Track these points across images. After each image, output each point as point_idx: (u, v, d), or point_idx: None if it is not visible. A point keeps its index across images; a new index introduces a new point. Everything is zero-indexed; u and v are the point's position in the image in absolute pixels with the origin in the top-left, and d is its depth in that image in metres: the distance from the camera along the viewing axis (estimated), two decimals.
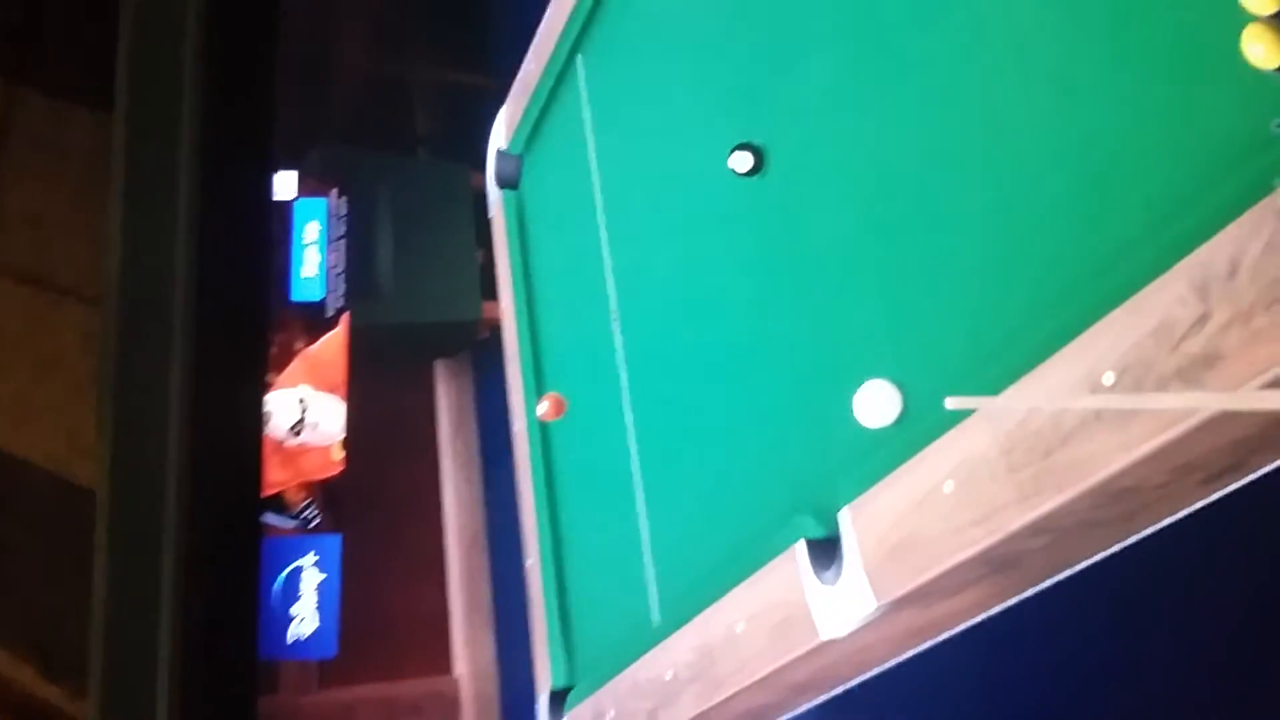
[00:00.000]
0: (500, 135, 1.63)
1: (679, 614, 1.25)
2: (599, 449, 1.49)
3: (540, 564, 1.50)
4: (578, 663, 1.48)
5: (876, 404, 1.17)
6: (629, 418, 1.46)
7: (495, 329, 1.59)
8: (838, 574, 1.08)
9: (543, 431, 1.52)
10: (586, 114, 1.54)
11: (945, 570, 1.00)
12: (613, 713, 1.35)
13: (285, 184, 1.52)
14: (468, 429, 1.61)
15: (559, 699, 1.47)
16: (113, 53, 1.37)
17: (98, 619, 1.30)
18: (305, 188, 1.53)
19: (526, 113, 1.61)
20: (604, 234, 1.50)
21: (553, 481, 1.54)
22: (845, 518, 1.09)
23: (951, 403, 0.96)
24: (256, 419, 1.45)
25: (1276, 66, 0.96)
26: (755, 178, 1.29)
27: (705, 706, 1.19)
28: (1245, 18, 0.94)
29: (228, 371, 1.38)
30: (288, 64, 1.47)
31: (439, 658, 1.53)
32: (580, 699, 1.44)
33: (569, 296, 1.55)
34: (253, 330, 1.46)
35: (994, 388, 0.97)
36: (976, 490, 0.97)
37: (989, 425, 0.97)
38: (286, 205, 1.52)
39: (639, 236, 1.48)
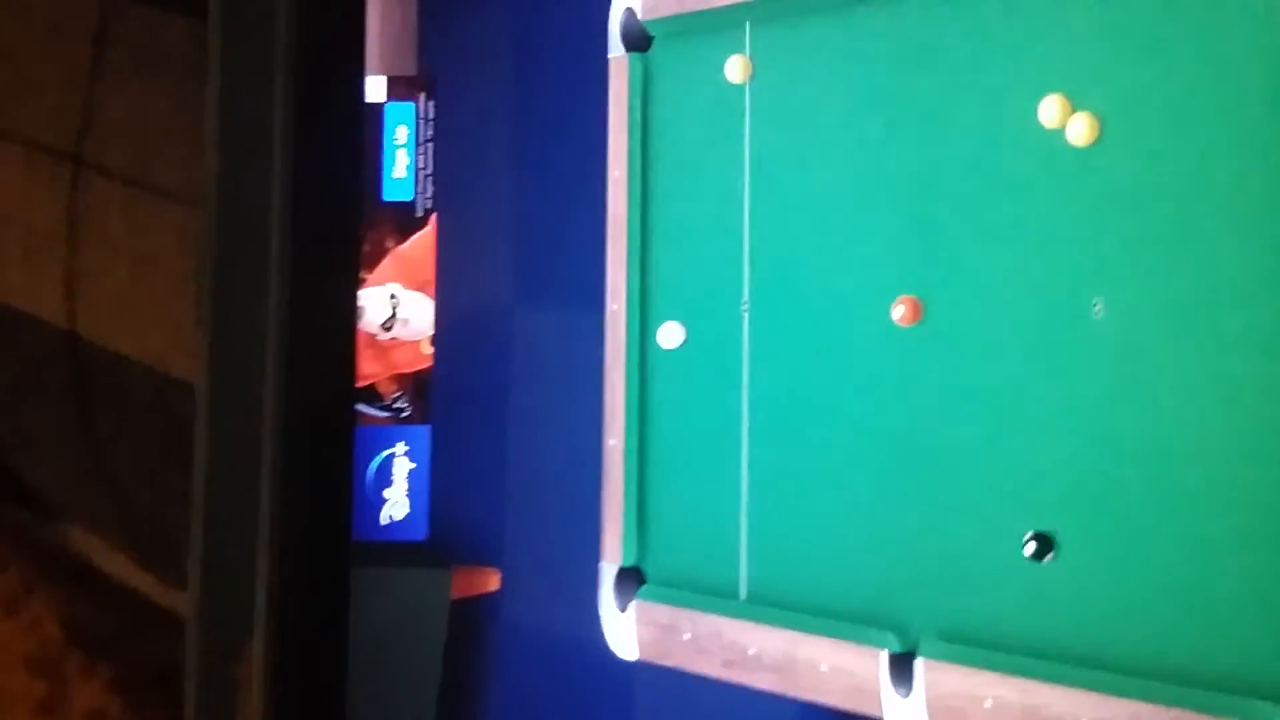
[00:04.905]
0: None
1: (765, 611, 1.45)
2: (708, 389, 1.52)
3: (625, 448, 1.55)
4: (647, 554, 1.54)
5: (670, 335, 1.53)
6: (745, 395, 1.49)
7: None
8: (907, 693, 1.33)
9: (641, 318, 1.55)
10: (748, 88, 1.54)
11: None
12: (689, 635, 1.48)
13: (375, 88, 1.55)
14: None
15: (626, 575, 1.54)
16: None
17: (199, 505, 1.35)
18: (395, 92, 1.55)
19: (678, 17, 1.59)
20: (746, 206, 1.52)
21: (645, 376, 1.56)
22: (920, 668, 1.33)
23: None
24: (350, 314, 1.48)
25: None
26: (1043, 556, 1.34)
27: (779, 691, 1.42)
28: None
29: (323, 269, 1.42)
30: None
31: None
32: (654, 598, 1.52)
33: (695, 222, 1.57)
34: (346, 229, 1.48)
35: None
36: None
37: None
38: (377, 108, 1.54)
39: (783, 228, 1.50)
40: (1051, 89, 1.33)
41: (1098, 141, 1.30)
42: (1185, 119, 1.26)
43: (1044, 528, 1.29)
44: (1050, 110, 1.31)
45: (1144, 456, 1.24)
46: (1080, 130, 1.31)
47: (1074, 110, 1.31)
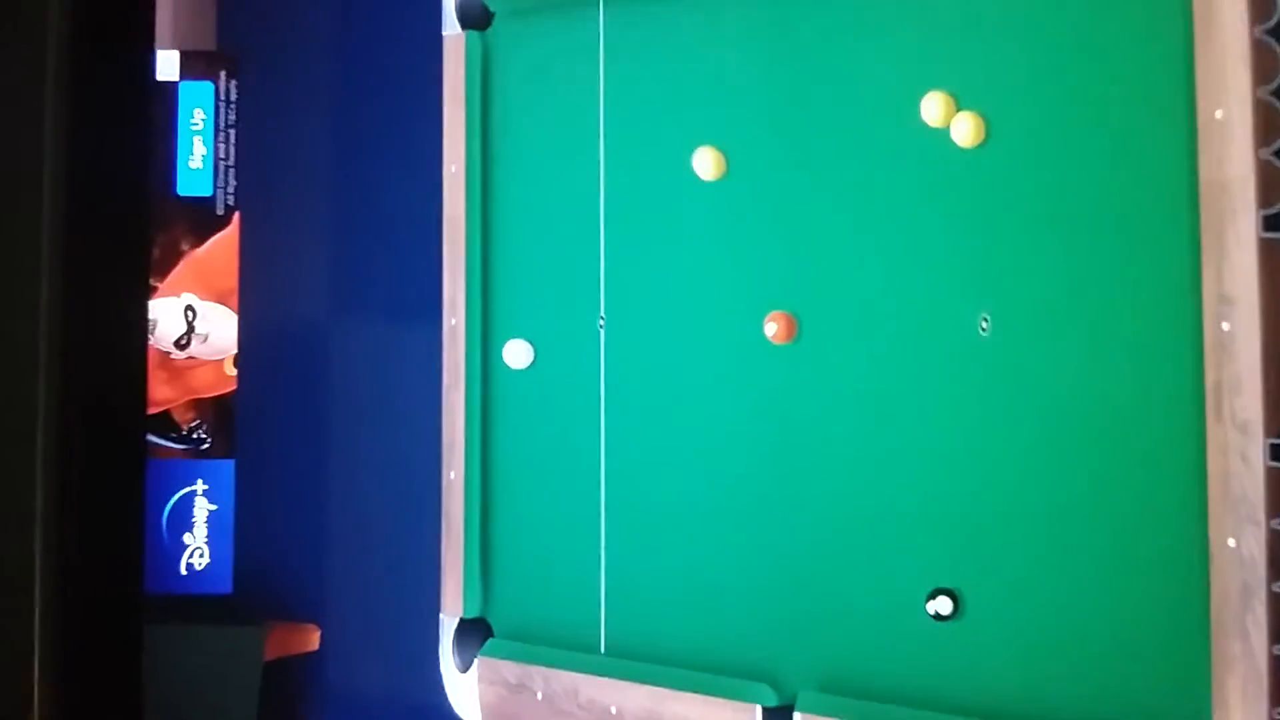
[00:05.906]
0: None
1: (627, 665, 1.38)
2: (561, 416, 1.43)
3: (466, 483, 1.43)
4: (493, 604, 1.43)
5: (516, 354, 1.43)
6: (603, 422, 1.40)
7: None
8: None
9: (483, 334, 1.44)
10: (601, 60, 1.41)
11: None
12: (542, 695, 1.40)
13: (167, 64, 1.40)
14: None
15: (468, 628, 1.43)
16: None
17: None
18: (190, 69, 1.41)
19: None
20: (601, 208, 1.41)
21: (489, 401, 1.45)
22: None
23: None
24: (139, 329, 1.34)
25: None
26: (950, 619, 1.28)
27: None
28: None
29: (105, 274, 1.24)
30: None
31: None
32: (501, 654, 1.42)
33: (544, 225, 1.45)
34: (133, 227, 1.34)
35: None
36: None
37: None
38: (169, 88, 1.40)
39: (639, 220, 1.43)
40: (935, 85, 1.26)
41: (984, 143, 1.24)
42: (1076, 120, 1.20)
43: (925, 566, 1.23)
44: (933, 108, 1.26)
45: (1038, 495, 1.19)
46: (965, 130, 1.25)
47: (958, 109, 1.25)
